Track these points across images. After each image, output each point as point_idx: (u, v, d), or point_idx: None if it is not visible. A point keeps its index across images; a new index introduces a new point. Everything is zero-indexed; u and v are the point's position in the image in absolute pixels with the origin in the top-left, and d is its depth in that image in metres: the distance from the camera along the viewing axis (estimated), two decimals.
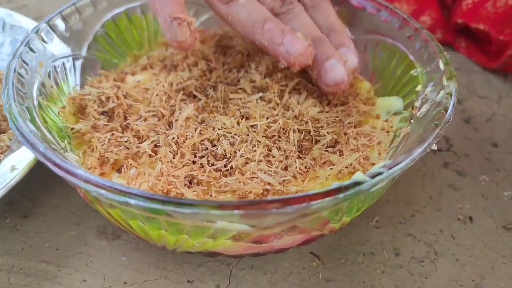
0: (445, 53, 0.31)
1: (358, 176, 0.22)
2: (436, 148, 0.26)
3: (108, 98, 0.32)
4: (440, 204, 0.35)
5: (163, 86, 0.33)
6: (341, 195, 0.21)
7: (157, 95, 0.33)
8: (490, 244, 0.33)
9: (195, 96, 0.33)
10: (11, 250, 0.31)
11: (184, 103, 0.32)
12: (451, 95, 0.27)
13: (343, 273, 0.31)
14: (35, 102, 0.29)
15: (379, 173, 0.22)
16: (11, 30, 0.42)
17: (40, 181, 0.35)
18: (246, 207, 0.21)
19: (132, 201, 0.21)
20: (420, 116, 0.29)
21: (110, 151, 0.29)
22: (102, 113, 0.32)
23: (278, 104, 0.32)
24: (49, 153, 0.24)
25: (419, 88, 0.31)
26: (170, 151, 0.29)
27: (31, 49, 0.31)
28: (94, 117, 0.31)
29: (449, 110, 0.26)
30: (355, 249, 0.32)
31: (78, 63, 0.35)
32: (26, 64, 0.30)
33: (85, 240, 0.32)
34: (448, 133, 0.42)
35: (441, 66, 0.30)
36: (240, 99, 0.33)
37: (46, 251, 0.31)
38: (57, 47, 0.33)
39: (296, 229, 0.25)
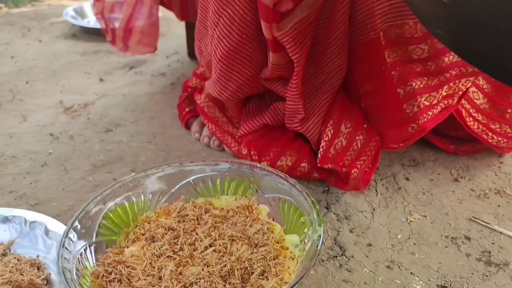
0: (317, 206, 0.52)
1: None
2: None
3: (111, 272, 0.51)
4: None
5: (149, 256, 0.52)
6: None
7: (147, 260, 0.52)
8: None
9: (171, 257, 0.52)
10: None
11: (167, 262, 0.51)
12: (320, 236, 0.48)
13: None
14: (77, 284, 0.47)
15: None
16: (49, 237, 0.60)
17: None
18: None
19: None
20: (307, 249, 0.49)
21: None
22: (113, 279, 0.50)
23: (225, 253, 0.52)
24: None
25: (306, 229, 0.52)
26: None
27: (67, 249, 0.49)
28: (107, 284, 0.50)
29: (319, 246, 0.47)
30: None
31: (92, 247, 0.53)
32: (67, 259, 0.48)
33: None
34: (341, 242, 0.63)
35: (315, 216, 0.51)
36: (201, 252, 0.52)
37: None
38: (78, 241, 0.52)
39: None
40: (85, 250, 0.52)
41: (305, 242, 0.51)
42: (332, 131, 0.71)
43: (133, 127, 0.91)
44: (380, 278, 0.57)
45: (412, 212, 0.68)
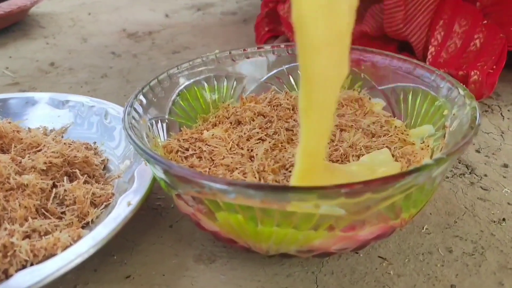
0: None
1: (427, 160, 0.29)
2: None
3: (188, 148, 0.40)
4: (476, 212, 0.42)
5: (235, 138, 0.41)
6: (416, 173, 0.28)
7: (233, 142, 0.40)
8: None
9: (263, 140, 0.41)
10: (123, 279, 0.36)
11: (259, 145, 0.39)
12: (475, 108, 0.35)
13: (410, 269, 0.36)
14: (148, 145, 0.36)
15: (441, 158, 0.29)
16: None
17: (134, 227, 0.40)
18: (348, 186, 0.27)
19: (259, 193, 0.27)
20: (453, 129, 0.37)
21: None
22: (191, 155, 0.39)
23: (333, 141, 0.40)
24: (184, 169, 0.30)
25: (445, 112, 0.39)
26: (255, 177, 0.36)
27: (135, 110, 0.39)
28: (183, 160, 0.38)
29: (477, 116, 0.34)
30: (414, 251, 0.38)
31: (164, 124, 0.42)
32: (135, 119, 0.37)
33: (186, 266, 0.37)
34: (467, 162, 0.49)
35: (461, 92, 0.38)
36: None
37: (155, 277, 0.36)
38: (149, 109, 0.41)
39: (378, 217, 0.31)
40: (156, 122, 0.41)
41: (445, 126, 0.38)
42: (442, 33, 0.58)
43: (204, 49, 0.80)
44: None
45: None
